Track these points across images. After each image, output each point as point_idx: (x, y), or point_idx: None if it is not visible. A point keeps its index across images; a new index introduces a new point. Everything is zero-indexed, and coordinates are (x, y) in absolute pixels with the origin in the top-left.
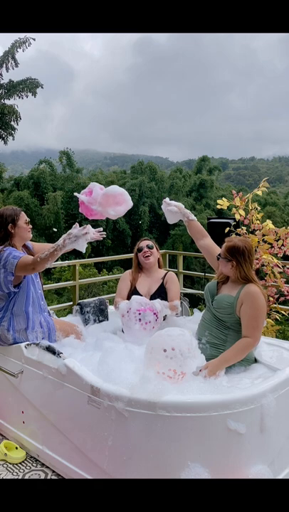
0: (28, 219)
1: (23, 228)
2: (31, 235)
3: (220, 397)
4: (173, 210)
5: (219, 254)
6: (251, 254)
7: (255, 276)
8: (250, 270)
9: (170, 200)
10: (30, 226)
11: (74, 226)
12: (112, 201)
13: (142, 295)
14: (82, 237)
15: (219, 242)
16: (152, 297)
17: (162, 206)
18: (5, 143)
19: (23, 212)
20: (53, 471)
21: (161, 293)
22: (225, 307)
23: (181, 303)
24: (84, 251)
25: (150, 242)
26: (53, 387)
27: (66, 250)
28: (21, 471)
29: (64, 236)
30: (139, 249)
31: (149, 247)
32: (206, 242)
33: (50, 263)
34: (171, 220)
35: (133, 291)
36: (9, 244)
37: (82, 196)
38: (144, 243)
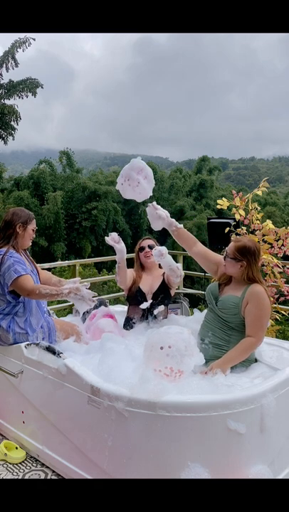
0: (36, 228)
1: (29, 234)
2: (30, 244)
3: (220, 397)
4: (162, 214)
5: (226, 255)
6: (260, 254)
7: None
8: (259, 271)
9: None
10: (34, 236)
11: (86, 285)
12: (94, 333)
13: (145, 293)
14: (87, 301)
15: (219, 242)
16: (155, 294)
17: (148, 210)
18: (5, 143)
19: (34, 220)
20: (53, 471)
21: (163, 290)
22: (230, 308)
23: (181, 303)
24: (81, 313)
25: (151, 242)
26: (53, 387)
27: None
28: (21, 471)
29: (72, 287)
30: (141, 249)
31: (151, 247)
32: (198, 249)
33: (43, 300)
34: (156, 225)
35: (137, 290)
36: (12, 245)
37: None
38: (145, 243)
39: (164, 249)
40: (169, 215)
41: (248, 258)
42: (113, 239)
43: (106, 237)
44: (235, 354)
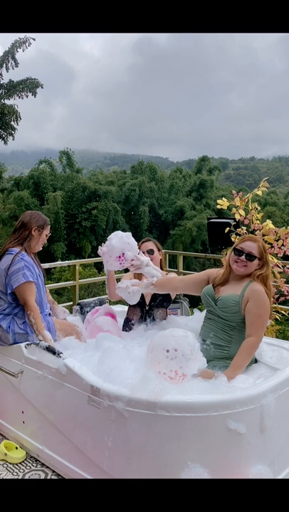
0: (50, 233)
1: (42, 239)
2: (41, 249)
3: (220, 397)
4: (136, 289)
5: (252, 255)
6: None
7: None
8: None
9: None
10: (46, 241)
11: (54, 346)
12: (92, 330)
13: (143, 295)
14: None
15: (219, 242)
16: (154, 297)
17: (120, 292)
18: (5, 143)
19: (49, 226)
20: (53, 471)
21: (162, 293)
22: (231, 306)
23: (181, 303)
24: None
25: (151, 246)
26: (53, 387)
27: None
28: (21, 471)
29: (47, 338)
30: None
31: (150, 253)
32: (182, 282)
33: (27, 319)
34: (135, 300)
35: None
36: (24, 247)
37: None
38: (145, 247)
39: (127, 283)
40: (138, 281)
41: (266, 256)
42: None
43: (100, 249)
44: (242, 359)
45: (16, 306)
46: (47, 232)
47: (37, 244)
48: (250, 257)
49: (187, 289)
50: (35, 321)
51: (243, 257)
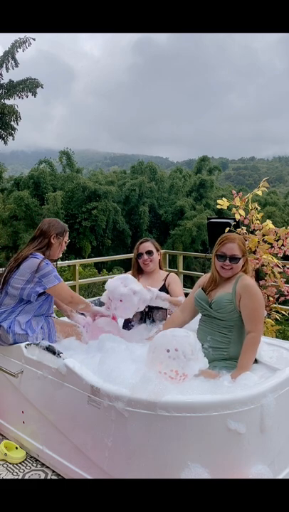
0: (68, 240)
1: (61, 246)
2: (60, 256)
3: (220, 397)
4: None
5: (235, 257)
6: None
7: None
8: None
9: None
10: (65, 248)
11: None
12: (93, 331)
13: None
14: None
15: None
16: None
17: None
18: (5, 143)
19: (68, 233)
20: (53, 471)
21: None
22: (225, 305)
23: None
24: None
25: (150, 247)
26: (53, 387)
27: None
28: (21, 471)
29: (85, 301)
30: (139, 255)
31: (149, 254)
32: (180, 314)
33: (76, 308)
34: None
35: None
36: (46, 256)
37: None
38: (143, 248)
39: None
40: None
41: (245, 250)
42: None
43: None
44: (247, 358)
45: (21, 307)
46: (66, 239)
47: (56, 252)
48: (233, 259)
49: (193, 314)
50: (83, 305)
51: (227, 261)
